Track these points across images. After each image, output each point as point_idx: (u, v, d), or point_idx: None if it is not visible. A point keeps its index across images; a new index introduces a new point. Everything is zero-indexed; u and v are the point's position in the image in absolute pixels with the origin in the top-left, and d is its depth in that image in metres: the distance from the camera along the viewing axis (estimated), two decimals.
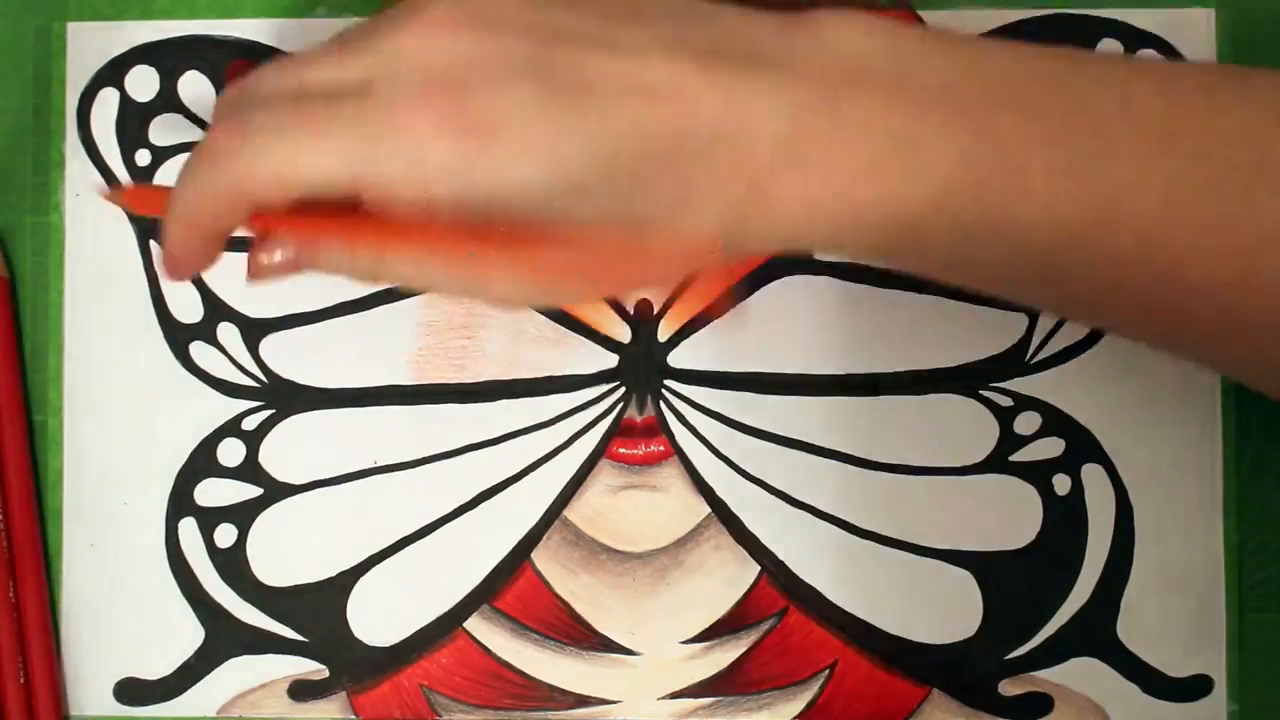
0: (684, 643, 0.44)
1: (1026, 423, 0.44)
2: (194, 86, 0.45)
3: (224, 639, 0.44)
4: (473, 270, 0.32)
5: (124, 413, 0.44)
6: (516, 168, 0.31)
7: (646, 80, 0.31)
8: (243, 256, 0.44)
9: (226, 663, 0.44)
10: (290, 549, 0.44)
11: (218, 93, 0.44)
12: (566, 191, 0.31)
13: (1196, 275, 0.32)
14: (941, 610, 0.43)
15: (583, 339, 0.44)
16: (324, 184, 0.31)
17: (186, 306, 0.44)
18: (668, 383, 0.44)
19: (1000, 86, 0.32)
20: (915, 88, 0.32)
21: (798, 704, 0.43)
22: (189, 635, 0.44)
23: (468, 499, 0.44)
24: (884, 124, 0.32)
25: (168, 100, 0.45)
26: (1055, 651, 0.43)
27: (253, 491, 0.44)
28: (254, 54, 0.44)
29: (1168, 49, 0.44)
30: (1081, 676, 0.43)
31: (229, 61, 0.45)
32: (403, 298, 0.44)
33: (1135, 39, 0.44)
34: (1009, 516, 0.43)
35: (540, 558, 0.44)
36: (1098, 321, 0.36)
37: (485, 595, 0.44)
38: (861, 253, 0.35)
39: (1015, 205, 0.32)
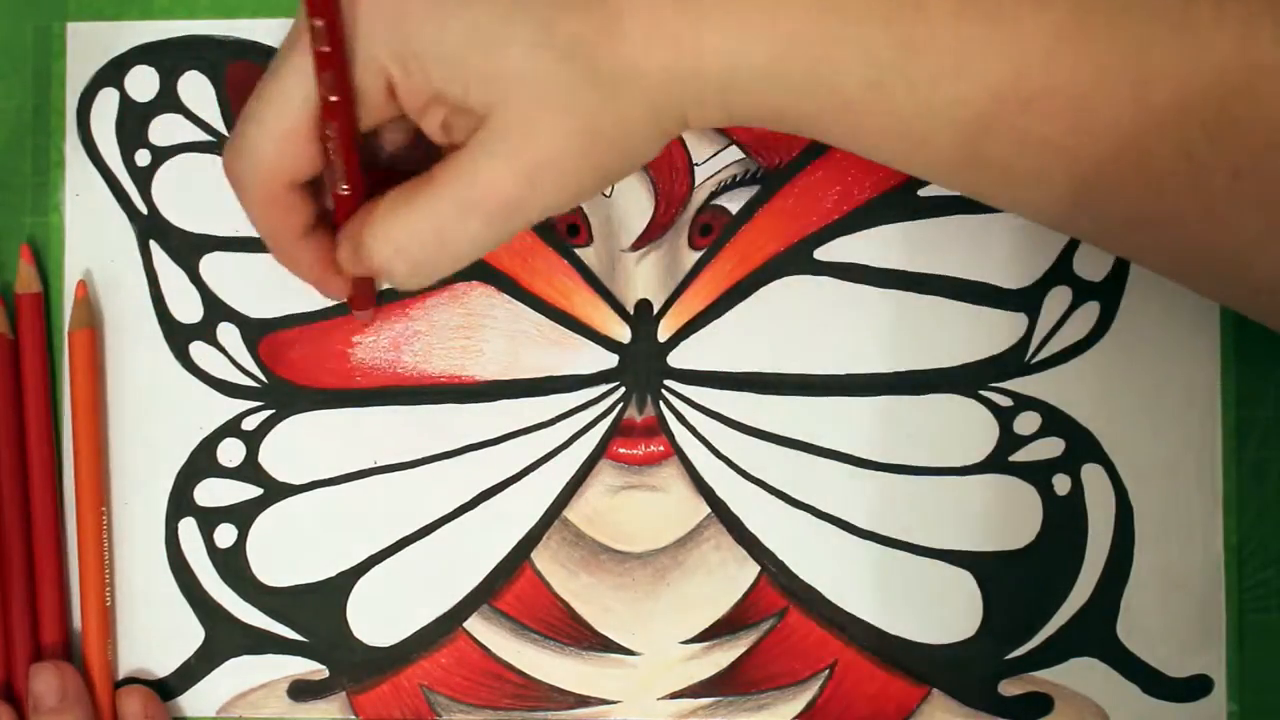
0: (684, 643, 0.44)
1: (1026, 423, 0.44)
2: (194, 86, 0.45)
3: (224, 639, 0.44)
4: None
5: (124, 413, 0.44)
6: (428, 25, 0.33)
7: None
8: (242, 256, 0.45)
9: (226, 663, 0.44)
10: (290, 549, 0.44)
11: (218, 93, 0.44)
12: (486, 43, 0.33)
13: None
14: (941, 610, 0.43)
15: (583, 339, 0.44)
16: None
17: (186, 306, 0.44)
18: (668, 383, 0.44)
19: None
20: None
21: (798, 704, 0.43)
22: (189, 635, 0.44)
23: (468, 499, 0.44)
24: None
25: (168, 100, 0.45)
26: (1055, 651, 0.43)
27: (253, 491, 0.44)
28: (254, 54, 0.44)
29: None
30: (1081, 676, 0.43)
31: (229, 61, 0.45)
32: (402, 298, 0.44)
33: None
34: (1009, 516, 0.43)
35: (540, 558, 0.44)
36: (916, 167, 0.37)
37: (485, 595, 0.44)
38: (730, 99, 0.35)
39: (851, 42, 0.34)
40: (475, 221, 0.34)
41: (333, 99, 0.33)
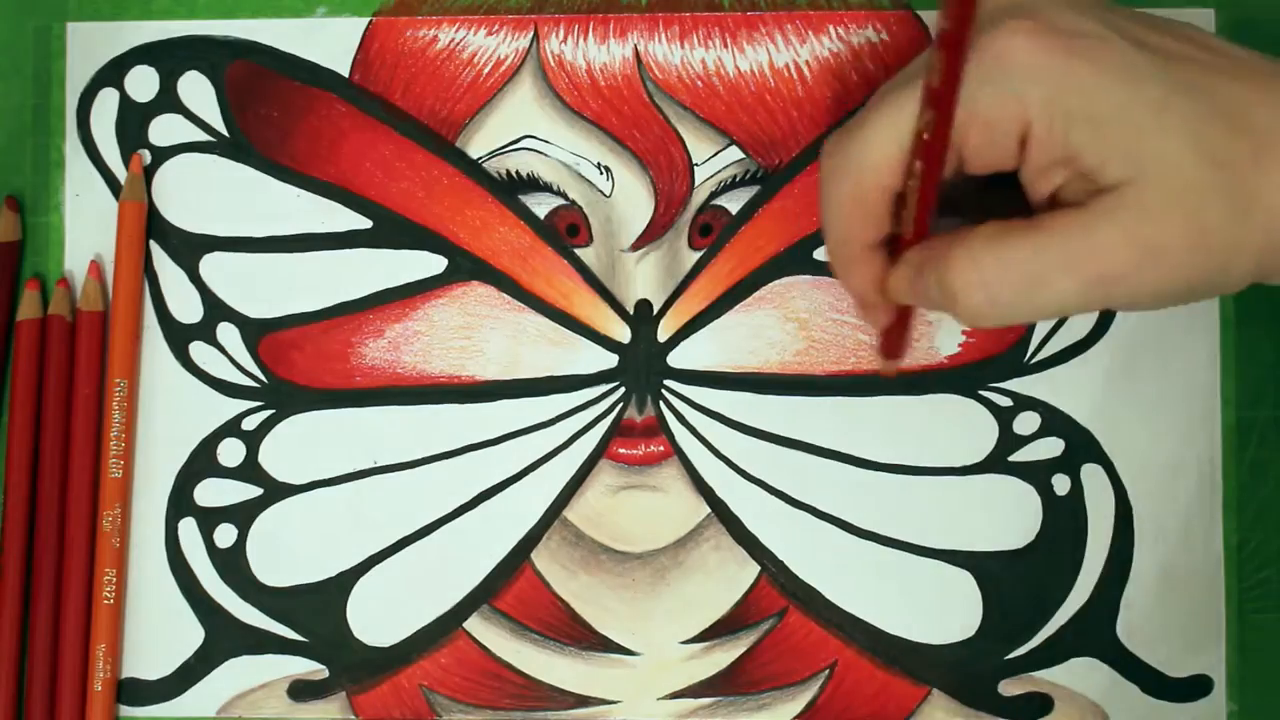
0: (684, 643, 0.44)
1: (1026, 423, 0.44)
2: (194, 86, 0.45)
3: (224, 639, 0.44)
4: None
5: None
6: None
7: None
8: (242, 256, 0.45)
9: (226, 663, 0.44)
10: (290, 549, 0.44)
11: (218, 93, 0.44)
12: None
13: None
14: (941, 610, 0.43)
15: (583, 339, 0.44)
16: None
17: (186, 306, 0.44)
18: (668, 383, 0.44)
19: None
20: None
21: (798, 704, 0.43)
22: (189, 635, 0.44)
23: (468, 499, 0.44)
24: None
25: (168, 100, 0.45)
26: (1055, 651, 0.43)
27: (253, 491, 0.44)
28: (254, 54, 0.45)
29: None
30: (1081, 676, 0.43)
31: (229, 61, 0.45)
32: (402, 299, 0.44)
33: None
34: (1009, 516, 0.44)
35: (540, 558, 0.44)
36: None
37: (485, 595, 0.44)
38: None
39: None
40: (1071, 280, 0.34)
41: (925, 136, 0.34)
